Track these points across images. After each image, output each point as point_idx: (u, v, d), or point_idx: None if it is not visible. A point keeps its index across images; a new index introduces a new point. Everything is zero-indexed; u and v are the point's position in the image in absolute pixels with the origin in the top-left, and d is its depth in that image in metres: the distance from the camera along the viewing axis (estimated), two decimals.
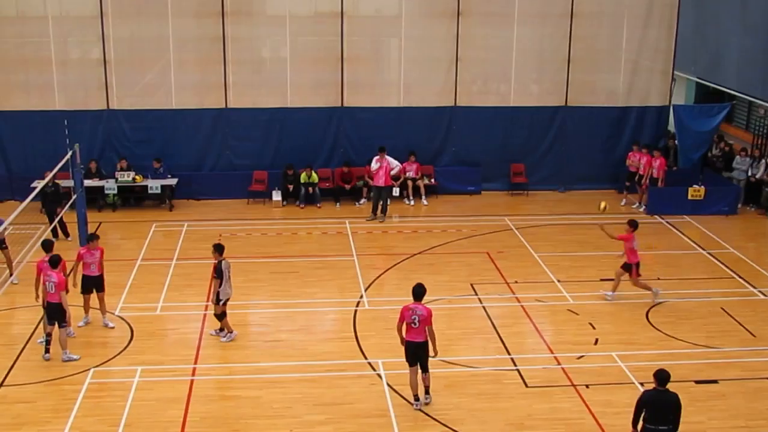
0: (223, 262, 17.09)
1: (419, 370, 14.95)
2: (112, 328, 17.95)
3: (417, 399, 15.06)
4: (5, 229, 19.04)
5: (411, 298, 14.88)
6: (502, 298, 19.74)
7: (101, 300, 18.06)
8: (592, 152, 28.17)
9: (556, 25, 27.59)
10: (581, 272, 21.26)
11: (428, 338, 14.77)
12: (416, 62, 27.60)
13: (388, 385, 15.71)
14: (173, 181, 26.47)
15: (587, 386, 15.80)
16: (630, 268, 19.26)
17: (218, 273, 17.05)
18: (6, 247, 20.24)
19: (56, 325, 16.62)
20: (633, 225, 19.28)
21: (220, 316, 17.44)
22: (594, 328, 18.23)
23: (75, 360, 16.62)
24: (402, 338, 14.98)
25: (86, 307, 18.12)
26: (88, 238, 18.22)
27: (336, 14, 26.78)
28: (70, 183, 23.28)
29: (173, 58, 26.90)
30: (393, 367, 16.13)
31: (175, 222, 25.11)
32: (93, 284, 17.93)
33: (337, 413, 14.88)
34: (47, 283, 16.56)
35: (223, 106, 27.08)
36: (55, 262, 16.68)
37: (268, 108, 27.17)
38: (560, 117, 28.17)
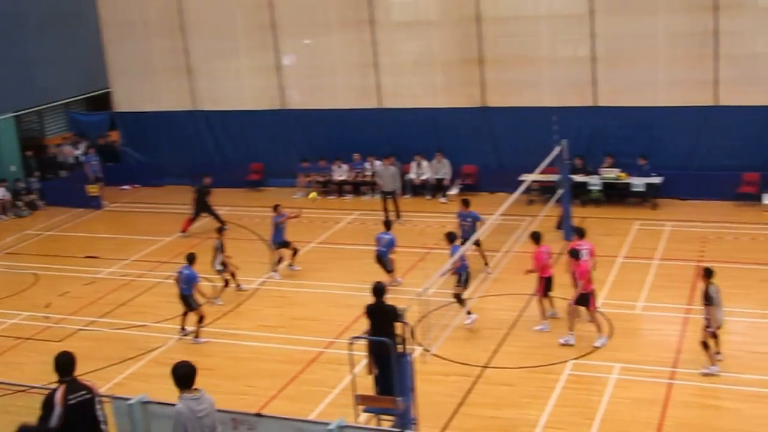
0: (711, 287, 15.86)
1: None
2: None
3: None
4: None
5: None
6: None
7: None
8: None
9: None
10: None
11: None
12: None
13: None
14: (658, 180, 26.14)
15: None
16: None
17: (707, 299, 15.86)
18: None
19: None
20: None
21: (705, 344, 16.05)
22: None
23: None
24: None
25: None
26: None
27: None
28: (555, 177, 24.00)
29: (661, 54, 26.53)
30: None
31: (657, 221, 24.78)
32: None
33: None
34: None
35: (713, 103, 26.16)
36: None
37: (762, 106, 25.74)
38: None
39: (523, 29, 28.37)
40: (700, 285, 16.05)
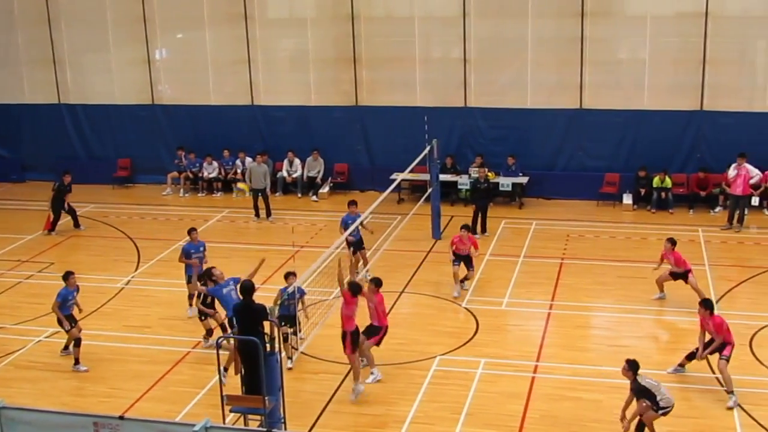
0: (640, 378, 13.91)
1: None
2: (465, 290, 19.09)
3: None
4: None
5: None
6: None
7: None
8: None
9: None
10: None
11: None
12: None
13: (738, 404, 14.91)
14: (524, 179, 26.78)
15: None
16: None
17: (642, 392, 13.84)
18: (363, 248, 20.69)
19: None
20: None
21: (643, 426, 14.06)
22: None
23: None
24: None
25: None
26: (463, 227, 19.86)
27: (700, 15, 25.69)
28: (426, 177, 24.30)
29: (530, 57, 27.17)
30: (742, 385, 15.28)
31: (524, 220, 25.39)
32: (462, 259, 19.57)
33: (680, 426, 14.35)
34: None
35: (578, 106, 26.95)
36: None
37: (623, 110, 26.67)
38: None
39: (398, 29, 28.66)
40: (628, 377, 14.07)
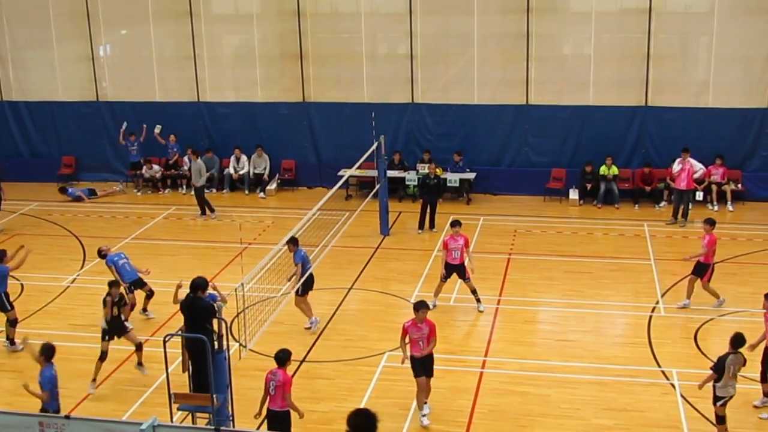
0: (730, 357, 13.56)
1: None
2: (482, 311, 18.72)
3: None
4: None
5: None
6: None
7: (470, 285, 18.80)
8: None
9: None
10: None
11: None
12: (728, 61, 26.19)
13: (682, 396, 15.12)
14: (471, 175, 26.89)
15: None
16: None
17: (718, 367, 13.48)
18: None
19: None
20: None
21: (721, 418, 13.68)
22: None
23: None
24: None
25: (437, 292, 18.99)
26: (452, 224, 19.07)
27: (643, 11, 25.97)
28: (373, 173, 24.30)
29: (477, 54, 27.29)
30: (688, 378, 15.50)
31: (471, 215, 25.43)
32: (455, 271, 18.69)
33: (626, 420, 14.52)
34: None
35: (524, 102, 27.12)
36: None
37: (569, 105, 26.90)
38: None
39: (344, 26, 28.62)
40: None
